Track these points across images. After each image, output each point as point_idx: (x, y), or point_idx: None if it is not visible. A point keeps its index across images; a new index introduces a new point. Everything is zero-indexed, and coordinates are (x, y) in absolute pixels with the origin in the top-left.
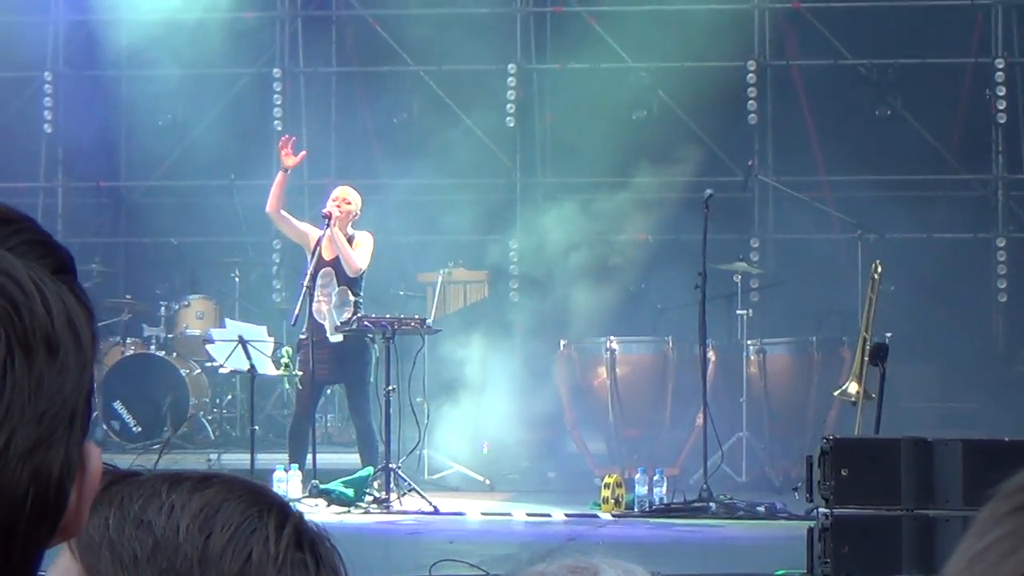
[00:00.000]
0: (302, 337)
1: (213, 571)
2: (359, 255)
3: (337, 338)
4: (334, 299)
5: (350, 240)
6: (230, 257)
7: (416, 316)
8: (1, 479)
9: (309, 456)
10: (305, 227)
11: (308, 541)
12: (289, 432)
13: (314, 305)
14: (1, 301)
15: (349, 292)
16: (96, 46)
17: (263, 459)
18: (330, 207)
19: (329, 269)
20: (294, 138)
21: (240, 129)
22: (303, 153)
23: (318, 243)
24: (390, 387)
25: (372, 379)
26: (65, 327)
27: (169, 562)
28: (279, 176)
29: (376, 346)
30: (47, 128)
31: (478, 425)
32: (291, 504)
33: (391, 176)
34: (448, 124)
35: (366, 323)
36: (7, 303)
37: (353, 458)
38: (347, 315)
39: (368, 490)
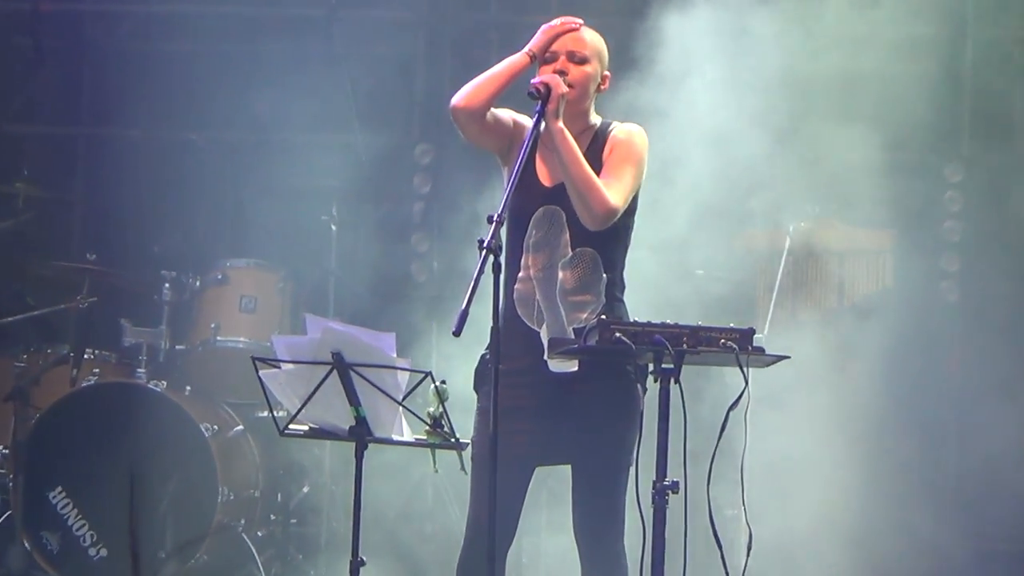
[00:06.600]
0: (485, 356)
1: None
2: (617, 179)
3: (567, 366)
4: (564, 275)
5: (594, 141)
6: (318, 179)
7: (732, 325)
8: None
9: None
10: (512, 115)
11: None
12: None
13: (516, 289)
14: None
15: (599, 261)
16: None
17: None
18: (545, 76)
19: (552, 209)
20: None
21: None
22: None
23: (521, 156)
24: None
25: (635, 458)
26: None
27: None
28: (523, 61)
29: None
30: None
31: (854, 538)
32: None
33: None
34: None
35: (619, 336)
36: None
37: None
38: (587, 313)
39: None
